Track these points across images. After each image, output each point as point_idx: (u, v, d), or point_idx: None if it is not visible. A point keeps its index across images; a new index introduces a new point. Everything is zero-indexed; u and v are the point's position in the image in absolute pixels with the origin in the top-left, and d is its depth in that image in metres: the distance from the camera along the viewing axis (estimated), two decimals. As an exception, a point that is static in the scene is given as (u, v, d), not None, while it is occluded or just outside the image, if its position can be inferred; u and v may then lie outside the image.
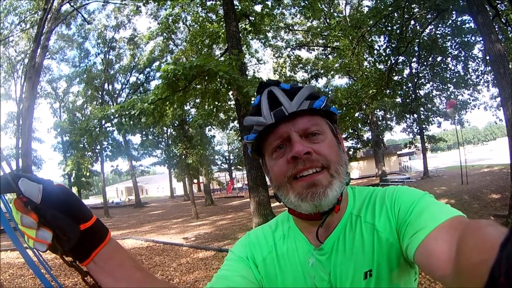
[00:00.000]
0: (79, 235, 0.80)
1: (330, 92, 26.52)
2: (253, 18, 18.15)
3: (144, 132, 28.77)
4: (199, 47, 21.53)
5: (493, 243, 0.56)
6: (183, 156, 25.14)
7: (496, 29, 14.76)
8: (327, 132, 1.15)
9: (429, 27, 20.11)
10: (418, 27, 19.90)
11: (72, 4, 27.28)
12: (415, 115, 30.10)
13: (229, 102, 17.75)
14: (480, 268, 0.55)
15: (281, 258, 1.27)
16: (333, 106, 1.20)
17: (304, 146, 1.07)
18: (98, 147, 29.25)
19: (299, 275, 1.21)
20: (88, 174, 34.67)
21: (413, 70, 24.88)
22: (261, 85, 1.24)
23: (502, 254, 0.35)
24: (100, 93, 41.51)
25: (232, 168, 62.35)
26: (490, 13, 13.50)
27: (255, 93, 1.26)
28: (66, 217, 0.78)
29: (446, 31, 20.65)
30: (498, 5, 15.24)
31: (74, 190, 36.57)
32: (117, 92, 43.34)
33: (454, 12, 17.60)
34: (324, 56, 34.33)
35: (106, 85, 41.94)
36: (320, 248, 1.19)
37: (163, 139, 38.99)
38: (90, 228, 0.82)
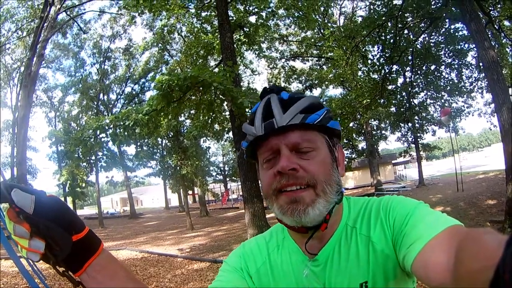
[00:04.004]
0: (71, 246, 0.80)
1: (324, 103, 26.44)
2: (247, 29, 18.19)
3: (138, 143, 28.82)
4: (194, 58, 21.59)
5: (493, 251, 0.55)
6: (178, 167, 25.13)
7: (490, 35, 14.86)
8: (321, 149, 1.12)
9: (422, 35, 20.20)
10: (411, 36, 19.96)
11: (68, 13, 27.34)
12: (410, 124, 30.18)
13: (224, 113, 17.78)
14: (480, 276, 0.54)
15: (275, 269, 1.26)
16: (333, 121, 1.17)
17: (290, 161, 1.06)
18: (93, 157, 29.18)
19: (293, 286, 1.20)
20: (83, 184, 34.59)
21: (407, 79, 24.97)
22: (264, 91, 1.23)
23: (507, 252, 0.35)
24: (95, 103, 41.49)
25: (227, 179, 62.09)
26: (483, 20, 13.59)
27: (260, 98, 1.23)
28: (59, 227, 0.79)
29: (440, 39, 20.74)
30: (491, 12, 15.33)
31: (69, 200, 36.48)
32: (112, 102, 43.44)
33: (447, 20, 17.68)
34: (318, 67, 34.31)
35: (101, 95, 42.03)
36: (314, 259, 1.18)
37: (158, 150, 38.98)
38: (83, 239, 0.83)
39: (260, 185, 1.23)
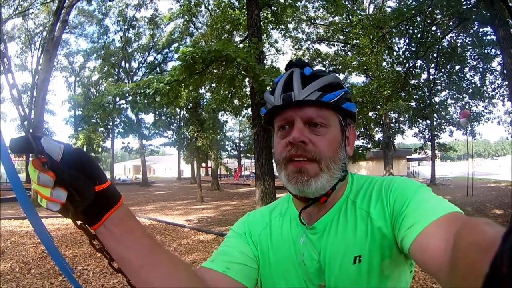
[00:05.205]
0: (93, 196, 0.80)
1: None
2: (275, 8, 17.99)
3: (157, 112, 28.75)
4: (219, 32, 21.39)
5: (491, 241, 0.56)
6: (194, 139, 25.10)
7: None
8: (332, 127, 1.17)
9: (450, 34, 19.96)
10: (438, 33, 19.74)
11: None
12: (428, 121, 29.93)
13: (244, 89, 17.70)
14: (476, 266, 0.54)
15: (274, 234, 1.33)
16: (349, 103, 1.22)
17: (301, 134, 1.12)
18: (111, 123, 29.24)
19: (291, 252, 1.26)
20: (99, 149, 34.76)
21: (430, 76, 24.76)
22: (289, 64, 1.28)
23: (505, 245, 0.34)
24: (117, 70, 41.78)
25: (241, 155, 61.60)
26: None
27: (285, 70, 1.29)
28: (83, 176, 0.79)
29: (467, 41, 20.53)
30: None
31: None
32: (134, 70, 43.53)
33: (476, 23, 17.48)
34: (343, 52, 34.01)
35: (123, 62, 42.20)
36: (312, 227, 1.23)
37: (175, 121, 38.77)
38: (105, 190, 0.83)
39: (273, 151, 1.30)
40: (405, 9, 17.55)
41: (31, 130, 0.78)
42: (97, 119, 16.04)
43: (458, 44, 20.66)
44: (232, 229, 1.41)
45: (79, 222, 0.85)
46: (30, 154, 0.79)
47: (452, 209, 0.97)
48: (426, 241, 0.90)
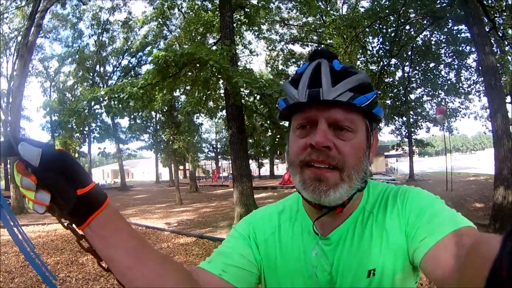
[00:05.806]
0: (75, 199, 0.80)
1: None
2: (248, 10, 18.05)
3: (132, 116, 28.60)
4: (193, 34, 21.49)
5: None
6: (170, 142, 25.04)
7: (492, 41, 14.81)
8: (359, 132, 1.08)
9: (424, 32, 20.13)
10: (412, 32, 19.89)
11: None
12: (404, 118, 30.18)
13: (219, 91, 17.72)
14: (480, 272, 0.55)
15: (284, 241, 1.26)
16: (378, 107, 1.12)
17: (326, 138, 1.02)
18: (86, 128, 29.09)
19: (301, 261, 1.20)
20: (75, 155, 34.55)
21: (405, 74, 24.97)
22: (315, 52, 1.15)
23: (504, 249, 0.35)
24: (91, 74, 41.71)
25: (219, 157, 62.07)
26: (488, 26, 13.56)
27: (308, 59, 1.15)
28: (64, 180, 0.79)
29: (441, 39, 20.70)
30: (496, 18, 15.28)
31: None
32: (108, 74, 43.45)
33: (450, 21, 17.61)
34: (316, 53, 34.19)
35: (97, 66, 42.04)
36: (326, 238, 1.18)
37: (151, 124, 38.92)
38: (88, 193, 0.82)
39: (287, 146, 1.18)
40: (378, 9, 17.67)
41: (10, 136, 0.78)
42: (73, 125, 15.88)
43: (433, 42, 20.86)
44: (235, 229, 1.34)
45: (66, 223, 0.86)
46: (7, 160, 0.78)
47: (465, 223, 0.95)
48: (438, 255, 0.90)
